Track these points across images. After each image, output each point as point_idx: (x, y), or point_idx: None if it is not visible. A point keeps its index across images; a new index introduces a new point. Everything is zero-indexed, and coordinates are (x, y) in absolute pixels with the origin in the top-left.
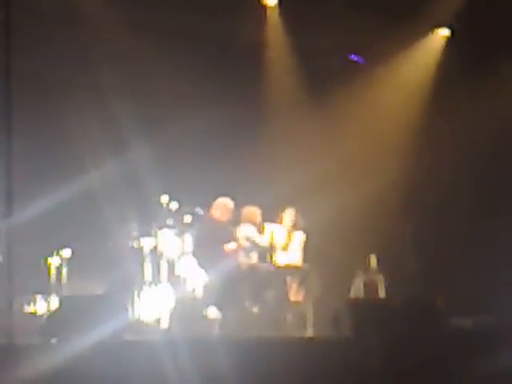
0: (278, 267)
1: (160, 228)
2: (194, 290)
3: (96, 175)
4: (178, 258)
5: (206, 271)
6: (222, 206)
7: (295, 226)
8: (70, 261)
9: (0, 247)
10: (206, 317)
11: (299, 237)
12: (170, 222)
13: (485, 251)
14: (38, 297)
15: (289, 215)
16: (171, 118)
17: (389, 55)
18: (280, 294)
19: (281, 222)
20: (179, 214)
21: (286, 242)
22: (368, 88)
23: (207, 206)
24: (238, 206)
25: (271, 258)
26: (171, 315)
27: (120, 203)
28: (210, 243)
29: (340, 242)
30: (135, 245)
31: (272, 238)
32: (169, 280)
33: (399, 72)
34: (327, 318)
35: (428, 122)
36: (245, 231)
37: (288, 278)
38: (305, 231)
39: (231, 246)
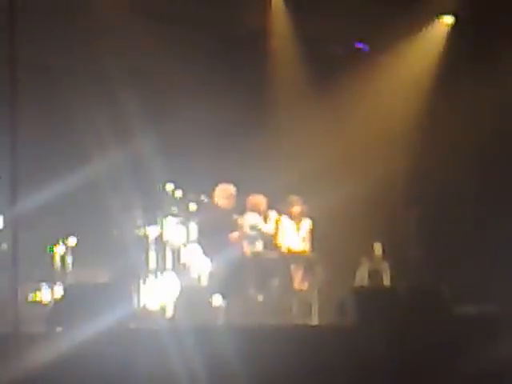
0: (283, 255)
1: (165, 216)
2: (198, 278)
3: (101, 163)
4: (183, 246)
5: (210, 259)
6: (224, 192)
7: (302, 214)
8: (74, 249)
9: (5, 235)
10: (210, 305)
11: (307, 224)
12: (174, 210)
13: (490, 239)
14: (43, 285)
15: (296, 203)
16: (176, 106)
17: (393, 43)
18: (285, 282)
19: (288, 210)
20: (184, 202)
21: (293, 230)
22: (373, 75)
23: (211, 194)
24: (244, 193)
25: (276, 246)
26: (176, 303)
27: (125, 191)
28: (215, 231)
29: (345, 229)
30: (140, 233)
31: (278, 226)
32: (174, 268)
33: (404, 59)
34: (332, 306)
35: (433, 109)
36: (250, 219)
37: (293, 266)
38: (311, 219)
39: (236, 233)
